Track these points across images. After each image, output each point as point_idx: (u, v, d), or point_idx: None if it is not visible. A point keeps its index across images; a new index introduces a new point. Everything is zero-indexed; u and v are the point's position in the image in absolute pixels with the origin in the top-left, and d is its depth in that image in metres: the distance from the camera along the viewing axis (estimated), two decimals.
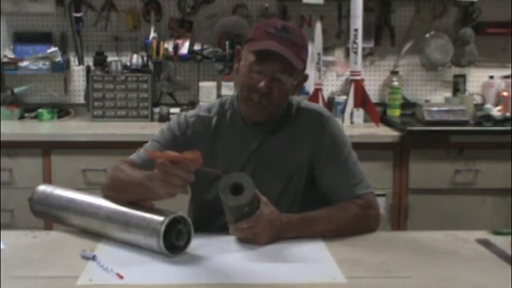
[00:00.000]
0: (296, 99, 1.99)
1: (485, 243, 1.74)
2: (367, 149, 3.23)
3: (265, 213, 1.69)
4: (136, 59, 3.73)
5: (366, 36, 3.65)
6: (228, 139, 1.93)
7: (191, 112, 1.99)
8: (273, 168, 1.89)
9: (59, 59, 3.72)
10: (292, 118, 1.93)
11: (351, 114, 3.59)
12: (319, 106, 2.06)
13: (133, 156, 1.93)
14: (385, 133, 3.39)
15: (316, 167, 1.91)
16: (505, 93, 3.76)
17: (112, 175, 1.84)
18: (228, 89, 3.61)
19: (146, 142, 3.40)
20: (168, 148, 1.82)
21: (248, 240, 1.71)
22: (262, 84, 1.79)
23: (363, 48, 3.57)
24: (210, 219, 1.88)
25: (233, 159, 1.91)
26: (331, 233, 1.77)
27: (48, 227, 2.81)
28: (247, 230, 1.69)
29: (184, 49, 3.78)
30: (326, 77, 3.89)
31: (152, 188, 1.61)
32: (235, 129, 1.93)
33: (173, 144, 1.90)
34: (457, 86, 3.91)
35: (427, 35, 3.84)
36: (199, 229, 1.73)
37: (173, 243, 1.60)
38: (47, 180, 3.22)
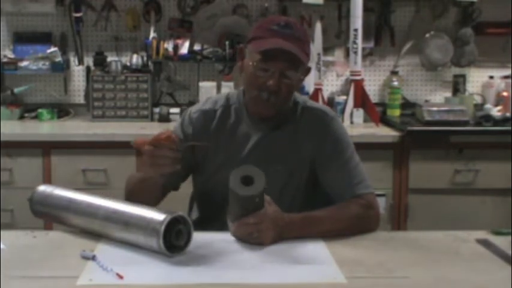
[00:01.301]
0: (302, 98, 2.01)
1: (485, 243, 1.74)
2: (367, 149, 3.22)
3: (269, 211, 1.69)
4: (136, 59, 3.73)
5: (366, 36, 3.65)
6: (231, 131, 1.95)
7: (196, 107, 2.02)
8: (275, 163, 1.90)
9: (59, 59, 3.72)
10: (297, 116, 1.94)
11: (351, 114, 3.59)
12: (325, 106, 2.08)
13: None
14: (385, 133, 3.39)
15: (319, 166, 1.92)
16: (505, 93, 3.76)
17: (126, 183, 1.97)
18: (228, 89, 3.60)
19: None
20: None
21: (250, 240, 1.69)
22: (271, 82, 1.81)
23: (363, 48, 3.57)
24: (215, 210, 1.90)
25: (235, 150, 1.93)
26: (333, 233, 1.77)
27: (48, 227, 2.81)
28: (253, 226, 1.67)
29: (184, 49, 3.77)
30: (326, 77, 3.89)
31: (147, 173, 1.72)
32: (239, 123, 1.95)
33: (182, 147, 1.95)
34: (457, 86, 3.91)
35: (427, 35, 3.84)
36: (203, 224, 1.74)
37: (173, 243, 1.60)
38: (47, 180, 3.22)
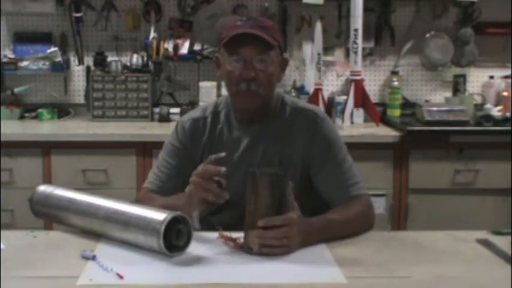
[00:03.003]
0: (291, 99, 2.01)
1: (485, 243, 1.74)
2: (367, 149, 3.24)
3: (296, 216, 1.65)
4: (136, 59, 3.73)
5: (366, 36, 3.65)
6: (222, 136, 1.96)
7: (186, 116, 2.03)
8: (266, 165, 1.90)
9: (59, 59, 3.71)
10: (286, 117, 1.95)
11: (351, 114, 3.59)
12: (315, 107, 2.07)
13: (149, 185, 1.98)
14: (385, 133, 3.39)
15: (312, 168, 1.92)
16: (505, 93, 3.76)
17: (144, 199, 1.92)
18: None
19: (146, 142, 3.42)
20: (179, 163, 1.94)
21: (275, 250, 1.61)
22: (244, 71, 1.82)
23: (363, 48, 3.56)
24: (213, 214, 1.89)
25: (227, 155, 1.92)
26: (347, 236, 1.77)
27: (48, 227, 2.81)
28: (282, 231, 1.61)
29: (184, 49, 3.77)
30: (326, 77, 3.89)
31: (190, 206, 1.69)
32: (229, 127, 1.96)
33: (181, 157, 1.97)
34: (457, 86, 3.91)
35: (427, 35, 3.84)
36: (203, 227, 1.74)
37: (173, 243, 1.60)
38: (47, 180, 3.21)
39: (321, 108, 3.27)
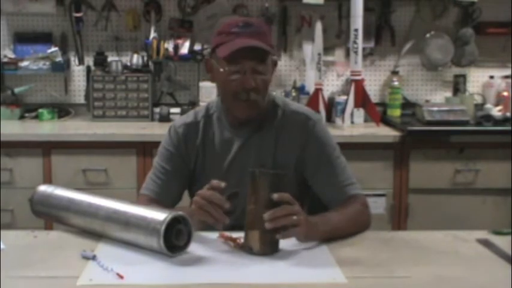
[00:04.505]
0: (283, 101, 2.01)
1: (485, 243, 1.74)
2: (367, 149, 3.25)
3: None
4: (136, 59, 3.73)
5: (366, 36, 3.65)
6: (215, 139, 1.96)
7: (178, 121, 2.03)
8: (260, 167, 1.89)
9: (59, 59, 3.71)
10: (278, 119, 1.94)
11: (351, 114, 3.59)
12: (307, 109, 2.04)
13: (147, 191, 1.97)
14: (385, 133, 3.39)
15: (307, 171, 1.93)
16: (505, 93, 3.76)
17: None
18: None
19: (146, 142, 3.42)
20: (175, 168, 1.95)
21: (283, 236, 1.62)
22: (245, 81, 1.82)
23: (363, 48, 3.56)
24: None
25: (220, 158, 1.94)
26: (347, 236, 1.77)
27: (48, 227, 2.82)
28: (289, 218, 1.61)
29: (184, 49, 3.77)
30: (326, 77, 3.89)
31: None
32: (221, 130, 1.96)
33: (176, 162, 1.97)
34: (457, 86, 3.91)
35: (427, 35, 3.84)
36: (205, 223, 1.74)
37: (173, 243, 1.60)
38: (47, 180, 3.22)
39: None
